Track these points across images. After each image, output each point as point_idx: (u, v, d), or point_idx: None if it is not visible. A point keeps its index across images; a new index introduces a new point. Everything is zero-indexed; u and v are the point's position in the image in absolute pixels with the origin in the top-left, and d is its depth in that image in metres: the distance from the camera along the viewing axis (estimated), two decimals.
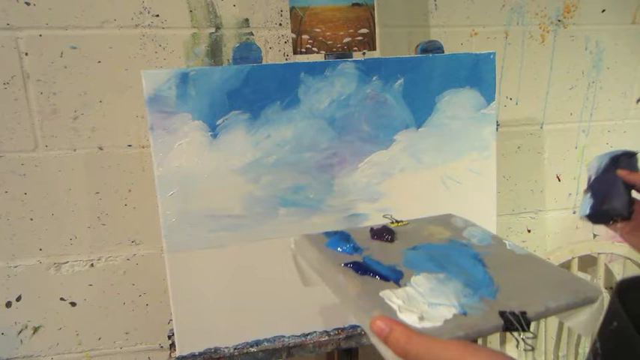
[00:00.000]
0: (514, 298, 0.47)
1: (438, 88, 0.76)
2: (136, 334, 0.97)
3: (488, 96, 0.78)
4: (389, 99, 0.74)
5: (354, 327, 0.78)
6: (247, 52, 0.69)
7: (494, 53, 0.77)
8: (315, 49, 0.72)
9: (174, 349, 0.73)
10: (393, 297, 0.46)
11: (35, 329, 0.93)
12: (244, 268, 0.72)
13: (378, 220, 0.76)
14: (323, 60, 0.73)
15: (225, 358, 0.72)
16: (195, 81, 0.67)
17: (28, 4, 0.79)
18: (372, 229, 0.60)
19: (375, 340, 0.41)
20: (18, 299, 0.91)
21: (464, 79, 0.77)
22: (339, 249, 0.55)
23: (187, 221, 0.70)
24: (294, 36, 0.71)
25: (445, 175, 0.79)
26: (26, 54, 0.80)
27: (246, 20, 0.86)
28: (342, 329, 0.77)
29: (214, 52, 0.86)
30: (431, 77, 0.75)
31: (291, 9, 0.70)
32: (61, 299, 0.92)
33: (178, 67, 0.84)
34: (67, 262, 0.91)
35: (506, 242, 0.59)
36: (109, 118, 0.86)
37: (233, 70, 0.68)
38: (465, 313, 0.45)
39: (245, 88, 0.68)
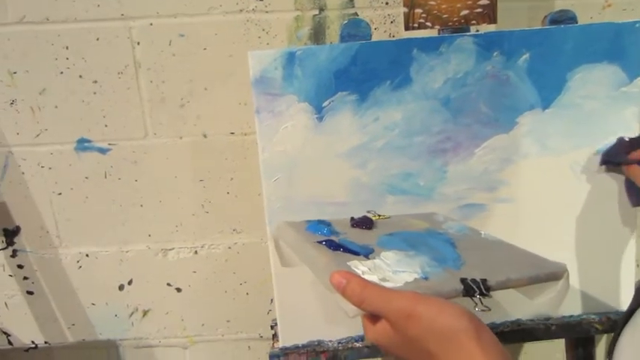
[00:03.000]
0: (478, 270, 0.50)
1: (570, 64, 0.66)
2: (236, 322, 0.97)
3: (632, 71, 0.67)
4: (511, 76, 0.66)
5: None
6: (356, 28, 0.64)
7: None
8: (428, 23, 0.66)
9: (277, 340, 0.71)
10: (359, 265, 0.50)
11: (145, 312, 0.97)
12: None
13: (496, 212, 0.69)
14: (437, 35, 0.66)
15: (329, 352, 0.69)
16: (302, 61, 0.64)
17: None
18: (352, 219, 0.64)
19: (337, 298, 0.44)
20: (130, 283, 0.95)
21: (601, 53, 0.66)
22: (317, 233, 0.61)
23: (291, 207, 0.67)
24: (406, 10, 0.65)
25: (574, 162, 0.69)
26: (138, 43, 0.83)
27: (351, 0, 0.82)
28: None
29: (317, 35, 0.83)
30: (562, 51, 0.66)
31: None
32: (168, 284, 0.95)
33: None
34: (173, 248, 0.93)
35: (482, 232, 0.63)
36: (213, 105, 0.86)
37: (341, 49, 0.64)
38: (426, 278, 0.48)
39: (353, 67, 0.64)
